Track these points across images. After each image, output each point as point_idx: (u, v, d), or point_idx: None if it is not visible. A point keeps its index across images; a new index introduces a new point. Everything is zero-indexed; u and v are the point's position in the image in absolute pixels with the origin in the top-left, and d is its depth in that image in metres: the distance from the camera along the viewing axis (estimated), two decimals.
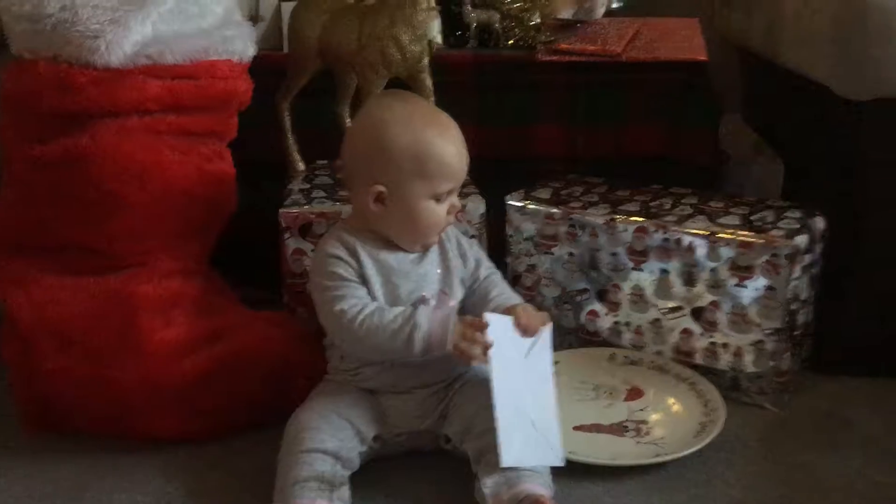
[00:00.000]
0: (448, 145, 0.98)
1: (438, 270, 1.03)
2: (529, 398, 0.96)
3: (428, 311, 0.97)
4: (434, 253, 1.04)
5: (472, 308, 1.05)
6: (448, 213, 1.01)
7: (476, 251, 1.09)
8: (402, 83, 1.18)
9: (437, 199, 0.99)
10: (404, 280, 1.00)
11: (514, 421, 0.92)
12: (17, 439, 1.08)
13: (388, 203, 0.98)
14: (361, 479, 0.97)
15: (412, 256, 1.02)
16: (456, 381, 1.02)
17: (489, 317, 0.95)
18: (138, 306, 1.05)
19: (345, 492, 0.93)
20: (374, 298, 0.99)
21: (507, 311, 0.99)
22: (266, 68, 1.23)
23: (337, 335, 1.00)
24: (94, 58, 1.04)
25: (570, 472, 0.97)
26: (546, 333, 0.99)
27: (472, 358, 0.94)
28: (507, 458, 0.90)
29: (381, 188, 0.98)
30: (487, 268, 1.09)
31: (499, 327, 0.95)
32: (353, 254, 0.99)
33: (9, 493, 0.99)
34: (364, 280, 0.99)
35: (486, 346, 0.93)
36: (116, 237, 1.09)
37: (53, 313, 1.05)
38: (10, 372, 1.10)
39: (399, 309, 0.97)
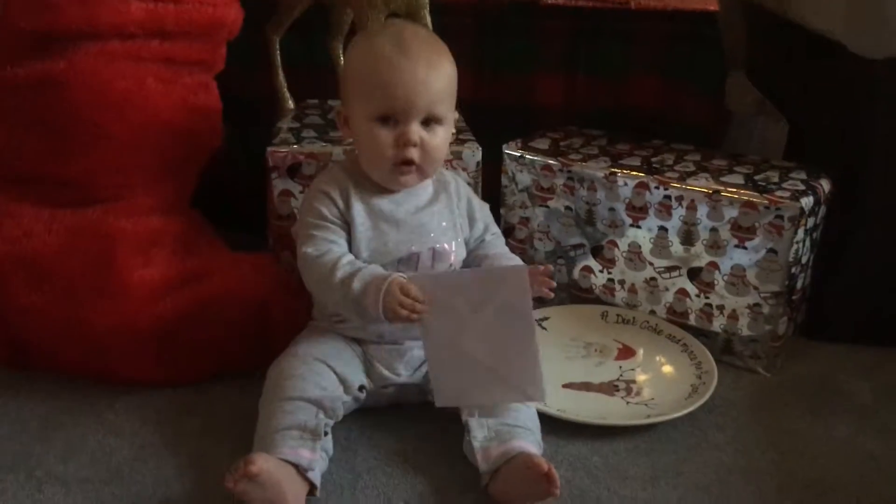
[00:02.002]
0: (401, 62, 0.89)
1: (444, 223, 0.98)
2: (479, 345, 0.91)
3: (368, 274, 0.90)
4: (440, 205, 0.99)
5: (469, 265, 1.01)
6: (397, 144, 0.92)
7: (486, 215, 1.04)
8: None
9: (384, 123, 0.91)
10: (394, 229, 0.96)
11: (449, 366, 0.92)
12: None
13: (351, 127, 0.95)
14: (344, 429, 0.95)
15: (408, 206, 0.97)
16: None
17: (417, 279, 0.90)
18: (116, 242, 1.00)
19: (328, 442, 0.90)
20: (353, 245, 0.94)
21: None
22: None
23: (302, 276, 0.96)
24: None
25: (559, 430, 0.96)
26: (517, 278, 0.91)
27: (411, 322, 0.90)
28: (440, 399, 0.93)
29: (341, 108, 0.95)
30: (493, 233, 1.05)
31: (431, 287, 0.90)
32: (344, 194, 0.95)
33: None
34: (347, 224, 0.95)
35: (421, 312, 0.88)
36: (94, 169, 1.03)
37: (27, 247, 1.00)
38: None
39: (356, 266, 0.91)
